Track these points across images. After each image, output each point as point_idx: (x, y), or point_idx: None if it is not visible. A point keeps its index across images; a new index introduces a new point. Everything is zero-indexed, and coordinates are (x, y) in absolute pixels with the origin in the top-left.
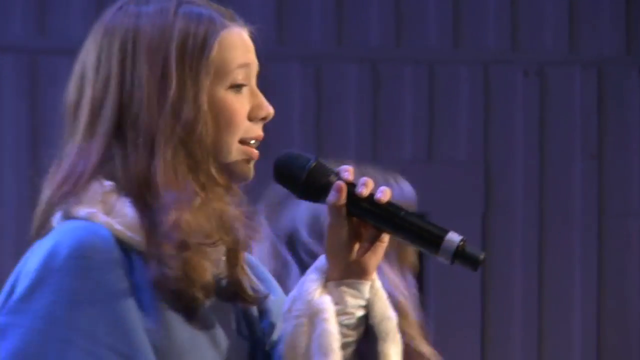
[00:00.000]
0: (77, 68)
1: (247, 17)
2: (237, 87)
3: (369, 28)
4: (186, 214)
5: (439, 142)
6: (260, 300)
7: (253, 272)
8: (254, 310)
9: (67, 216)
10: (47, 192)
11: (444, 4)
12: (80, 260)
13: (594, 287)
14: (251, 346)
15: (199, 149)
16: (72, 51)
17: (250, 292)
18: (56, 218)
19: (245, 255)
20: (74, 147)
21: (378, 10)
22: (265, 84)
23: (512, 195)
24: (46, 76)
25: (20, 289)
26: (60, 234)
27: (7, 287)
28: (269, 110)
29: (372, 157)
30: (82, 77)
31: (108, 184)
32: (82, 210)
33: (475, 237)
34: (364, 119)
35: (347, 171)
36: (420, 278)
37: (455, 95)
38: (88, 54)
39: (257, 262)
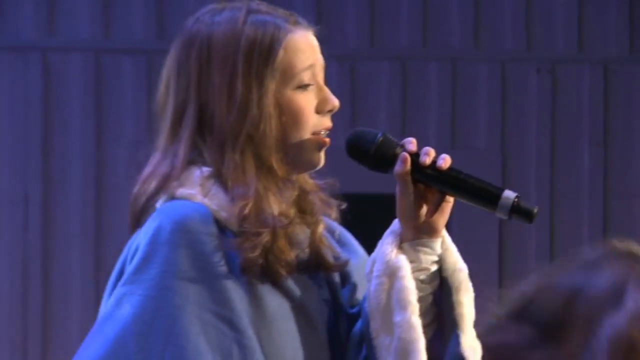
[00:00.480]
0: (164, 74)
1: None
2: (303, 86)
3: (398, 30)
4: (253, 204)
5: (460, 132)
6: (341, 267)
7: (334, 238)
8: (336, 276)
9: (170, 198)
10: (144, 182)
11: (466, 8)
12: (183, 233)
13: None
14: (334, 311)
15: (264, 146)
16: (133, 50)
17: (331, 260)
18: (159, 201)
19: (327, 222)
20: (165, 146)
21: (407, 13)
22: None
23: (526, 178)
24: (110, 74)
25: (133, 262)
26: (164, 212)
27: (118, 265)
28: (334, 103)
29: None
30: (167, 83)
31: (206, 169)
32: (183, 192)
33: (493, 215)
34: (394, 111)
35: (411, 143)
36: None
37: (475, 91)
38: (171, 62)
39: (338, 227)
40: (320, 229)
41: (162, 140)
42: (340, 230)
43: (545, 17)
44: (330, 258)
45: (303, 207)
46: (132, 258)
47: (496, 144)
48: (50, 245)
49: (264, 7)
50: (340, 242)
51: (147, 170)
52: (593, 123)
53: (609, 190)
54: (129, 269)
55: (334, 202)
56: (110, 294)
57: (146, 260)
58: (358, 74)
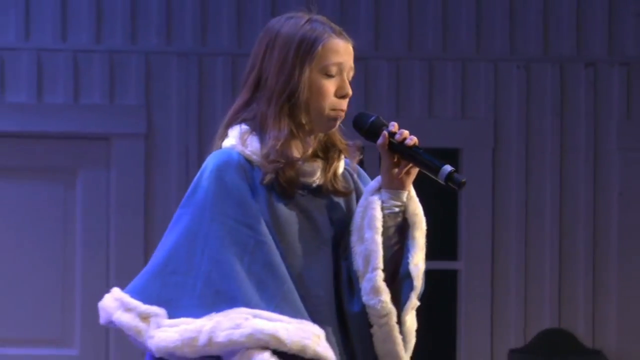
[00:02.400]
0: (251, 55)
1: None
2: (329, 76)
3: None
4: (281, 144)
5: None
6: (345, 194)
7: (354, 175)
8: (342, 201)
9: (219, 148)
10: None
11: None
12: (219, 172)
13: None
14: (339, 227)
15: (296, 107)
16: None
17: (340, 188)
18: (214, 148)
19: (351, 165)
20: (239, 100)
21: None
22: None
23: None
24: (206, 74)
25: (188, 191)
26: (211, 157)
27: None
28: (347, 91)
29: None
30: (251, 60)
31: (245, 126)
32: (227, 143)
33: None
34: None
35: (393, 125)
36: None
37: None
38: (255, 47)
39: (359, 169)
40: (336, 166)
41: (242, 96)
42: (360, 171)
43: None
44: (340, 187)
45: (327, 151)
46: (190, 188)
47: None
48: None
49: (320, 19)
50: (360, 178)
51: (226, 119)
52: None
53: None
54: (186, 195)
55: (356, 153)
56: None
57: (194, 190)
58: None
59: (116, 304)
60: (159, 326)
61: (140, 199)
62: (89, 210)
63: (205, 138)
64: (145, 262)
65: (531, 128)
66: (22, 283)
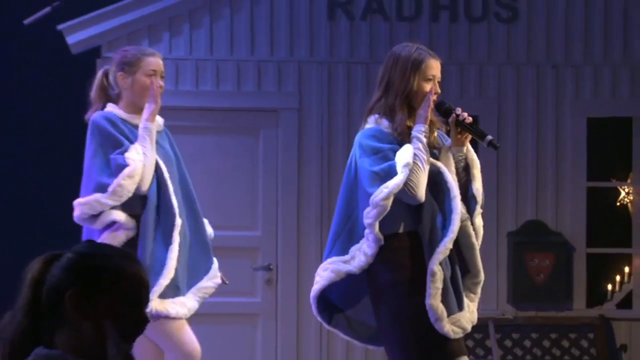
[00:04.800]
0: (381, 69)
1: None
2: (428, 80)
3: None
4: (404, 121)
5: None
6: (439, 148)
7: (445, 138)
8: (437, 152)
9: (363, 128)
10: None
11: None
12: (374, 137)
13: None
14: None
15: (412, 99)
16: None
17: (437, 145)
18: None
19: (442, 134)
20: (374, 97)
21: None
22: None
23: None
24: (340, 82)
25: (363, 151)
26: (362, 132)
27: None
28: (437, 90)
29: None
30: (381, 73)
31: (377, 115)
32: (369, 125)
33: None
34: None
35: (458, 109)
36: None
37: None
38: (384, 64)
39: (446, 136)
40: (434, 131)
41: (376, 95)
42: (447, 137)
43: None
44: (436, 144)
45: (430, 124)
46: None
47: None
48: None
49: (422, 47)
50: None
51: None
52: None
53: None
54: (364, 150)
55: (442, 125)
56: None
57: (364, 147)
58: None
59: None
60: None
61: (295, 149)
62: (266, 156)
63: (333, 111)
64: (299, 189)
65: None
66: (219, 209)
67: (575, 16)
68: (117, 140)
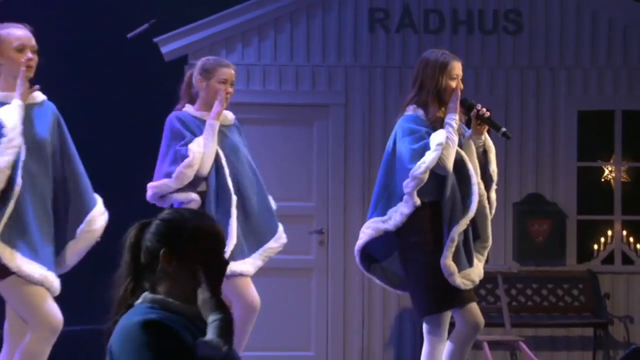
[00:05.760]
0: (414, 72)
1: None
2: (453, 79)
3: None
4: (435, 112)
5: None
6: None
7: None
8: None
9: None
10: None
11: None
12: (413, 121)
13: None
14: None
15: (441, 94)
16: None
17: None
18: None
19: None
20: (410, 95)
21: None
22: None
23: None
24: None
25: (400, 133)
26: (402, 118)
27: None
28: (461, 86)
29: None
30: (414, 75)
31: (414, 106)
32: (409, 110)
33: None
34: None
35: (479, 105)
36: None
37: None
38: (416, 67)
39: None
40: (462, 119)
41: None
42: (466, 127)
43: None
44: (460, 131)
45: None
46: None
47: None
48: None
49: (446, 52)
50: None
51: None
52: None
53: None
54: (404, 133)
55: (464, 117)
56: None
57: (404, 130)
58: None
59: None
60: None
61: (342, 137)
62: (319, 142)
63: (373, 106)
64: (345, 168)
65: None
66: (282, 185)
67: (568, 29)
68: (182, 135)
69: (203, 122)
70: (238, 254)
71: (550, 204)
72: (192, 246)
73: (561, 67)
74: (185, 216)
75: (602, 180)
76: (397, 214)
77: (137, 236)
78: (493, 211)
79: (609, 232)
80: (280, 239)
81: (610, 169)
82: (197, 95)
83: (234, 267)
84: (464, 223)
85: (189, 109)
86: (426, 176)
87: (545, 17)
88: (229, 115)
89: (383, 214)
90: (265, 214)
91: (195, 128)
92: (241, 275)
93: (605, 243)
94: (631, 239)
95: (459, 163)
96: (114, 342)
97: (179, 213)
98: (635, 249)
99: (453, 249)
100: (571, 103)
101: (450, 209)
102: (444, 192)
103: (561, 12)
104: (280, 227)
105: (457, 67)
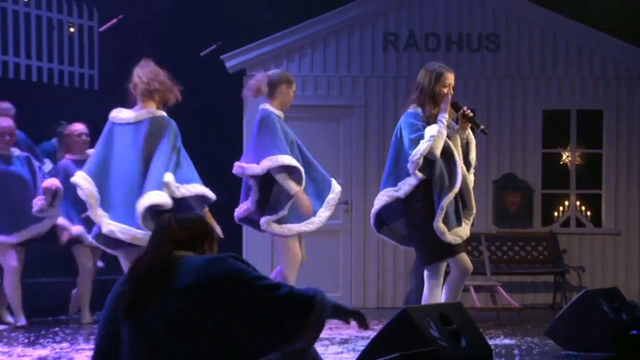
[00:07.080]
0: (417, 80)
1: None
2: (446, 87)
3: None
4: (432, 112)
5: None
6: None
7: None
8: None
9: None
10: None
11: None
12: (413, 117)
13: None
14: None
15: (437, 98)
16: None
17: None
18: None
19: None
20: (412, 97)
21: None
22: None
23: None
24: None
25: (404, 127)
26: (405, 115)
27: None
28: (451, 92)
29: None
30: (417, 82)
31: (414, 105)
32: (411, 108)
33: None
34: None
35: (465, 106)
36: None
37: None
38: (419, 76)
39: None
40: (452, 117)
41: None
42: (454, 124)
43: None
44: (450, 126)
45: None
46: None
47: None
48: None
49: (442, 64)
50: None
51: None
52: None
53: None
54: (409, 127)
55: (454, 115)
56: None
57: (406, 124)
58: None
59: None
60: None
61: (362, 132)
62: (345, 136)
63: (386, 107)
64: (365, 155)
65: None
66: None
67: (535, 47)
68: (278, 131)
69: (278, 118)
70: (301, 218)
71: (521, 181)
72: (198, 233)
73: (530, 77)
74: (190, 217)
75: (561, 163)
76: (406, 185)
77: (168, 224)
78: (471, 186)
79: (566, 202)
80: (336, 189)
81: (567, 154)
82: (270, 96)
83: (276, 229)
84: (451, 195)
85: (269, 107)
86: (421, 160)
87: (518, 39)
88: (281, 114)
89: (394, 185)
90: (321, 181)
91: (277, 122)
92: (287, 236)
93: (564, 211)
94: (583, 208)
95: (448, 151)
96: (193, 272)
97: (187, 214)
98: (586, 215)
99: (442, 215)
100: (537, 104)
101: (440, 185)
102: (434, 171)
103: (529, 35)
104: (334, 181)
105: (449, 77)
